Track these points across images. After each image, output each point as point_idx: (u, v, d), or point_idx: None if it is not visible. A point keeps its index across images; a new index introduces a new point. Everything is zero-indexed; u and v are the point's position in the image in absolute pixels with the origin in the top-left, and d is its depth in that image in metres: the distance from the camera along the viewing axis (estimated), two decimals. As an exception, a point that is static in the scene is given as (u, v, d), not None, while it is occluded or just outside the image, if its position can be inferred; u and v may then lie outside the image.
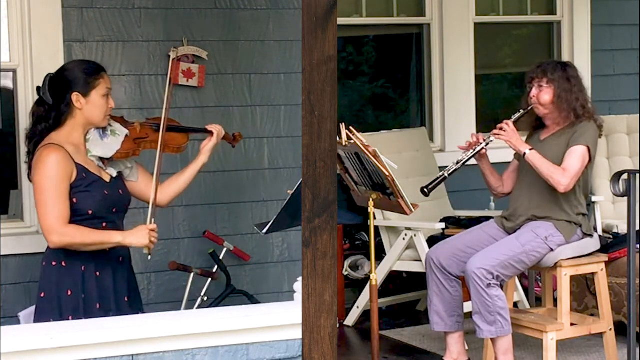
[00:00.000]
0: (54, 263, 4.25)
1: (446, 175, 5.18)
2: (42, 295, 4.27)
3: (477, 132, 7.02)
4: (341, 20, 4.22)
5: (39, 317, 4.28)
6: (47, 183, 4.14)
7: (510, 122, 5.17)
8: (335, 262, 3.49)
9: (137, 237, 4.26)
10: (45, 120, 4.28)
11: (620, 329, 5.22)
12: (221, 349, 3.56)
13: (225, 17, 5.77)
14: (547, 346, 4.96)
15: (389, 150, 5.99)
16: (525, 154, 5.06)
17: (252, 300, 5.64)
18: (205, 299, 5.55)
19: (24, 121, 5.35)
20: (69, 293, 4.22)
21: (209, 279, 5.57)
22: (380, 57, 7.78)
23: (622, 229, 6.22)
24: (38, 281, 4.34)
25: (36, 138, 4.29)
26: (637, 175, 4.51)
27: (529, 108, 5.22)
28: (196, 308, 5.48)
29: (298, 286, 3.59)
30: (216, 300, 5.57)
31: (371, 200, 4.75)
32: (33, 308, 4.85)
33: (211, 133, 4.62)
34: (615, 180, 4.54)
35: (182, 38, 5.66)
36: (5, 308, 5.17)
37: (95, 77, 4.31)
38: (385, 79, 7.73)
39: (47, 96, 4.28)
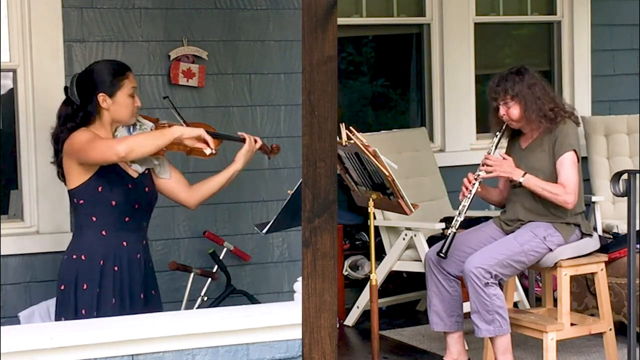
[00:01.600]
0: (74, 256, 4.34)
1: (454, 230, 5.06)
2: (62, 287, 4.35)
3: (477, 133, 7.08)
4: (341, 20, 4.22)
5: (58, 310, 4.37)
6: (86, 139, 4.25)
7: (490, 155, 5.12)
8: (335, 262, 3.49)
9: (193, 129, 4.38)
10: (73, 119, 4.36)
11: (620, 329, 5.22)
12: (221, 349, 3.56)
13: (225, 17, 5.77)
14: (547, 346, 4.96)
15: (389, 150, 5.99)
16: (520, 182, 5.03)
17: (252, 300, 5.64)
18: (205, 299, 5.55)
19: (24, 121, 5.36)
20: (85, 287, 4.29)
21: (209, 279, 5.57)
22: (380, 57, 7.78)
23: (622, 229, 6.22)
24: (58, 273, 4.44)
25: (63, 136, 4.36)
26: (637, 175, 4.51)
27: (503, 128, 5.16)
28: (196, 308, 5.48)
29: (298, 286, 3.59)
30: (216, 300, 5.57)
31: (371, 200, 4.75)
32: (33, 308, 4.87)
33: (244, 140, 4.64)
34: (615, 180, 4.54)
35: (182, 38, 5.66)
36: (5, 308, 5.17)
37: (121, 77, 4.39)
38: (385, 78, 7.73)
39: (75, 96, 4.36)
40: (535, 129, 5.14)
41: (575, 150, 5.05)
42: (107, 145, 4.24)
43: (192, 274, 5.52)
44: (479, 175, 5.12)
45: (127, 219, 4.36)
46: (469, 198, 5.10)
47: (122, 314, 4.17)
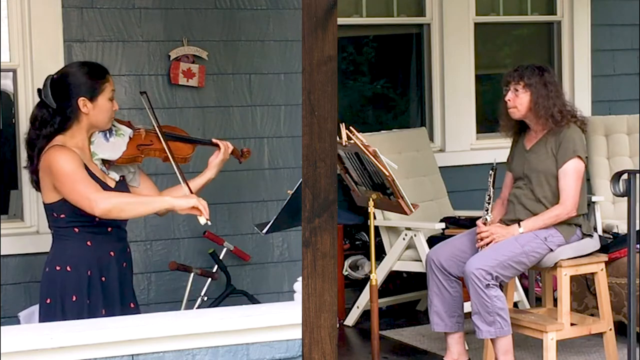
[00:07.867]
0: (58, 267, 4.16)
1: None
2: (48, 301, 4.18)
3: (477, 133, 7.07)
4: (341, 20, 4.22)
5: (43, 322, 4.18)
6: (68, 171, 4.02)
7: (482, 227, 5.10)
8: (335, 262, 3.49)
9: (185, 200, 4.13)
10: (50, 124, 4.15)
11: (620, 329, 5.23)
12: (221, 349, 3.56)
13: (225, 17, 5.77)
14: (547, 346, 4.96)
15: (389, 150, 6.00)
16: (521, 233, 5.04)
17: (252, 300, 5.64)
18: (205, 299, 5.56)
19: (24, 121, 5.35)
20: (74, 299, 4.15)
21: (209, 279, 5.57)
22: (380, 57, 7.78)
23: (622, 229, 6.22)
24: (40, 284, 4.26)
25: (39, 143, 4.16)
26: (637, 175, 4.51)
27: (494, 170, 5.14)
28: (196, 308, 5.48)
29: (298, 286, 3.59)
30: (216, 300, 5.57)
31: (371, 200, 4.75)
32: (33, 308, 4.84)
33: (218, 147, 4.51)
34: (615, 180, 4.54)
35: (182, 38, 5.66)
36: (5, 308, 5.17)
37: (102, 80, 4.20)
38: (386, 78, 7.74)
39: (50, 99, 4.16)
40: (539, 128, 5.15)
41: (579, 157, 5.06)
42: (89, 198, 3.99)
43: (192, 274, 5.52)
44: (486, 219, 5.13)
45: (109, 229, 4.21)
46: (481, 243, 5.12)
47: None
